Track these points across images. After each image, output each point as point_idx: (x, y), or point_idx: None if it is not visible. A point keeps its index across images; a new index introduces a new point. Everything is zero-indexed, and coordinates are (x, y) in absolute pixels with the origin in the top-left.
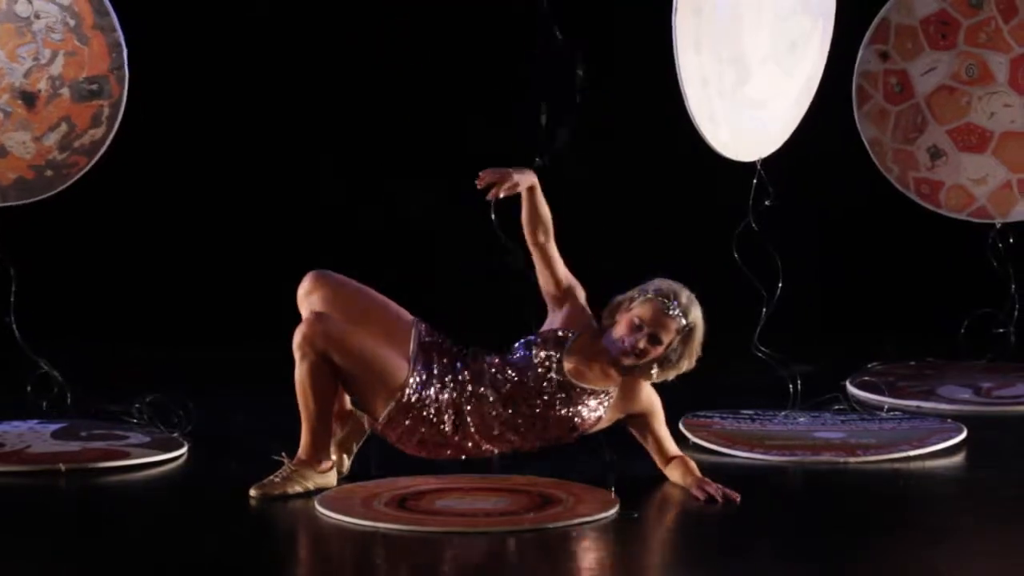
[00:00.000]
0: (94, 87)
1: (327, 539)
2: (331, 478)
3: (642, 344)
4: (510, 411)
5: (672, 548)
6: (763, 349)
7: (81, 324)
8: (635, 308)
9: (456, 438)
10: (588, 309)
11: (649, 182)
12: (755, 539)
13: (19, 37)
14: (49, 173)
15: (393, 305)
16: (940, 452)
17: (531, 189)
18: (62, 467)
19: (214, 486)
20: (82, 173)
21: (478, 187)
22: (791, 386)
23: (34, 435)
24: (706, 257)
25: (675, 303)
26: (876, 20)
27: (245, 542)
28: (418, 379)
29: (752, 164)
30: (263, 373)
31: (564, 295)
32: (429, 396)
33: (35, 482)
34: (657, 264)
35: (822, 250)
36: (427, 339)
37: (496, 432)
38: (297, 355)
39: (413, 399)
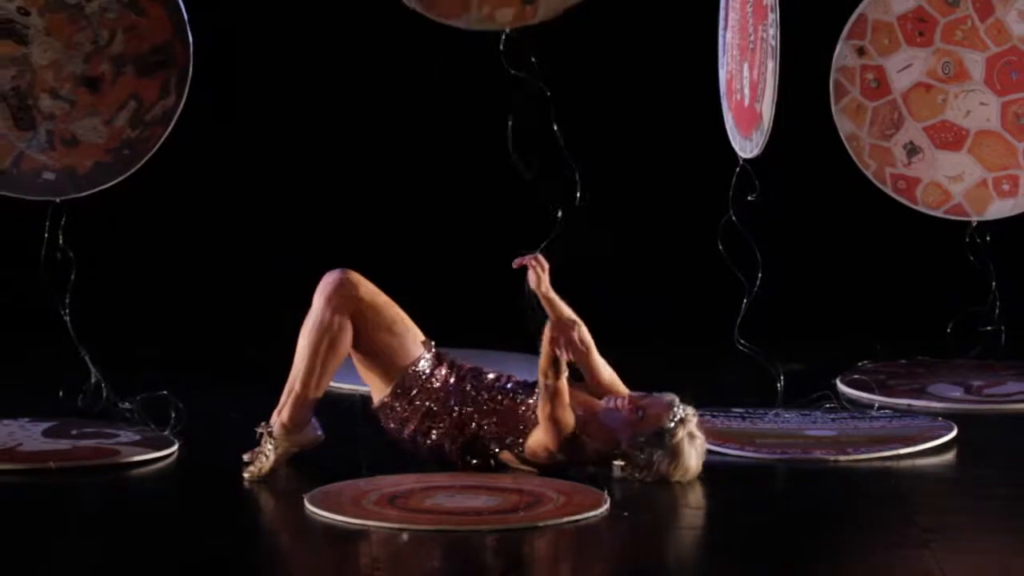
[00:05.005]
0: (159, 57)
1: (317, 538)
2: (313, 436)
3: (624, 403)
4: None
5: (661, 547)
6: (743, 342)
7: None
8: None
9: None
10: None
11: (645, 180)
12: (745, 537)
13: (72, 25)
14: (127, 152)
15: (412, 324)
16: (930, 450)
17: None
18: (52, 465)
19: (204, 484)
20: (161, 141)
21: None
22: (778, 384)
23: (25, 433)
24: (690, 255)
25: (680, 406)
26: (853, 16)
27: (235, 541)
28: (426, 363)
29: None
30: (257, 371)
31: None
32: (437, 375)
33: (25, 480)
34: (649, 261)
35: (807, 247)
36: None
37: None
38: (326, 303)
39: (423, 371)
